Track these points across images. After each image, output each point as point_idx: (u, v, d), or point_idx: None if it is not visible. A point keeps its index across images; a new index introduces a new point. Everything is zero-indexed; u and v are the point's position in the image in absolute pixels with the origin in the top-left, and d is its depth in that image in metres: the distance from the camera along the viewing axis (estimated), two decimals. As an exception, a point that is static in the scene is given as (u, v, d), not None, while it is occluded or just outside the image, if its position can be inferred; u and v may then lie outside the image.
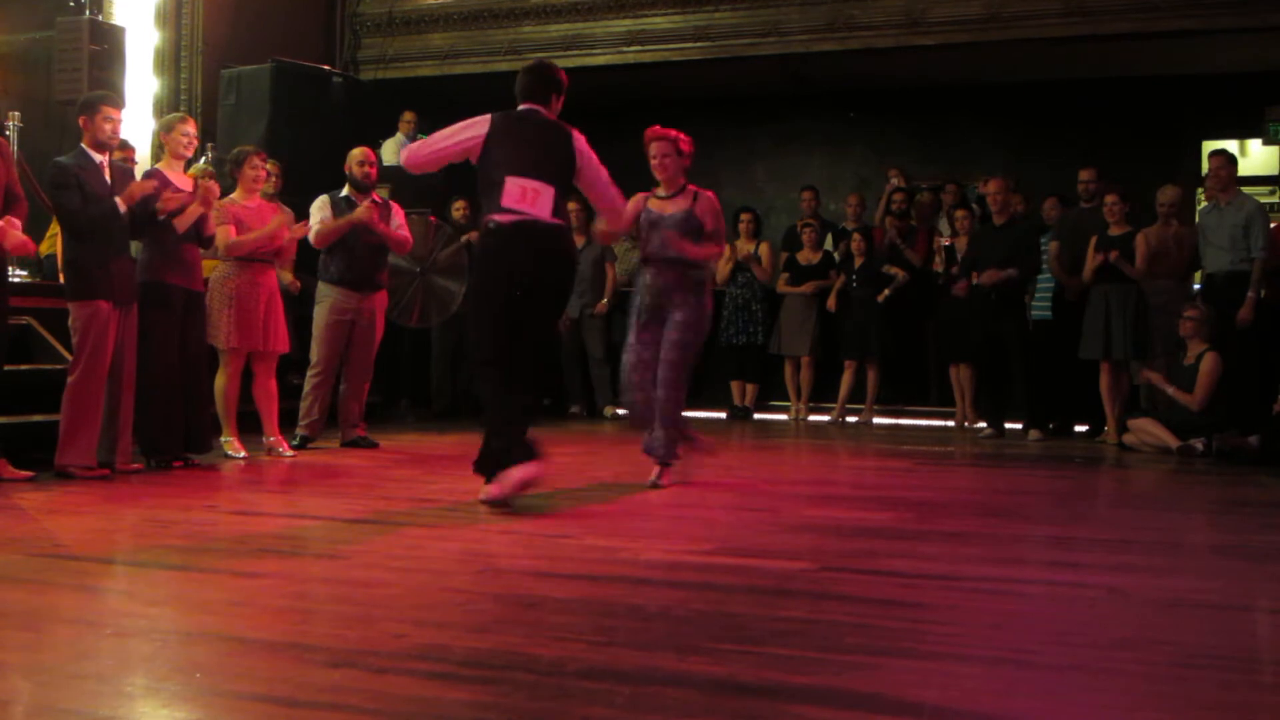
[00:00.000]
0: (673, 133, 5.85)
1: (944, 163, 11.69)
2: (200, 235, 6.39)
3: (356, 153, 7.55)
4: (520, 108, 5.31)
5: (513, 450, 4.97)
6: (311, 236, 7.27)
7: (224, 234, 6.70)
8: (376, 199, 7.49)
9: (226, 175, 7.09)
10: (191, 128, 6.46)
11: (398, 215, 7.62)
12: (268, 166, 7.42)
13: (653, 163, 5.83)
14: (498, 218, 5.00)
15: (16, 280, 7.13)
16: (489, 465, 5.05)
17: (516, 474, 4.93)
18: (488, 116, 5.19)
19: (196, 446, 6.40)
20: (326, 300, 7.38)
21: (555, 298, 5.25)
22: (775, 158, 12.51)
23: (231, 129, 9.45)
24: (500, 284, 5.01)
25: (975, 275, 8.88)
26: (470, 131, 5.15)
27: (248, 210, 6.85)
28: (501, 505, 4.94)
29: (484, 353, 5.09)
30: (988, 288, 8.66)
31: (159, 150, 6.56)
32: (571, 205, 10.05)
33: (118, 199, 5.92)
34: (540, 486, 5.13)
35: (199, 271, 6.50)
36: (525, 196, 5.01)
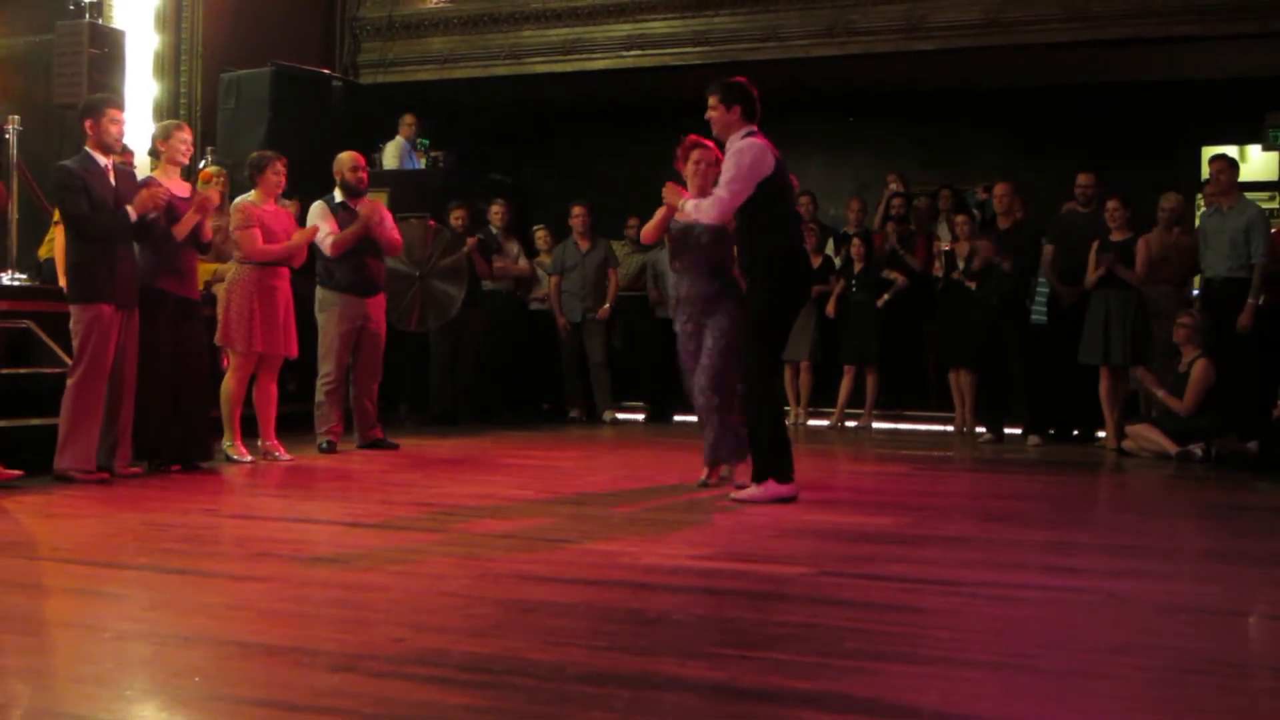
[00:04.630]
0: (708, 142, 5.86)
1: (943, 168, 11.69)
2: (198, 241, 6.39)
3: (346, 158, 7.53)
4: (757, 130, 5.55)
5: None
6: (327, 247, 7.27)
7: (250, 238, 6.71)
8: (369, 202, 7.51)
9: (246, 179, 7.09)
10: (188, 135, 6.46)
11: (387, 218, 7.63)
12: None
13: (694, 167, 5.83)
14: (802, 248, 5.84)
15: (14, 284, 7.14)
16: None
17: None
18: (764, 143, 5.43)
19: (199, 454, 6.39)
20: (335, 308, 7.37)
21: None
22: (774, 162, 12.49)
23: (231, 133, 9.45)
24: (801, 306, 5.95)
25: (973, 282, 8.90)
26: (765, 165, 5.39)
27: (266, 214, 6.86)
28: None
29: (774, 366, 5.82)
30: (994, 291, 8.67)
31: (155, 156, 6.54)
32: (577, 209, 10.09)
33: (129, 208, 5.91)
34: None
35: (194, 279, 6.49)
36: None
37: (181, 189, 6.38)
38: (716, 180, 5.53)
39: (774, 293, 5.42)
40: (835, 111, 12.12)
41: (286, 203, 7.35)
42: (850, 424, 9.96)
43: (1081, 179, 8.90)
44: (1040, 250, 8.84)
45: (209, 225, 6.43)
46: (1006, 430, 8.89)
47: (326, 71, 10.46)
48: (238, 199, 6.95)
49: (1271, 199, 11.14)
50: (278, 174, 6.94)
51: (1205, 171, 8.96)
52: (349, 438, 7.51)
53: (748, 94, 5.51)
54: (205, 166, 8.25)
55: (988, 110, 11.56)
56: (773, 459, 5.43)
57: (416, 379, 9.95)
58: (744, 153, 5.36)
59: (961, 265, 9.11)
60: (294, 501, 5.67)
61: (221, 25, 9.94)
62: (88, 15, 8.52)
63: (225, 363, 7.15)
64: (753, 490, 5.42)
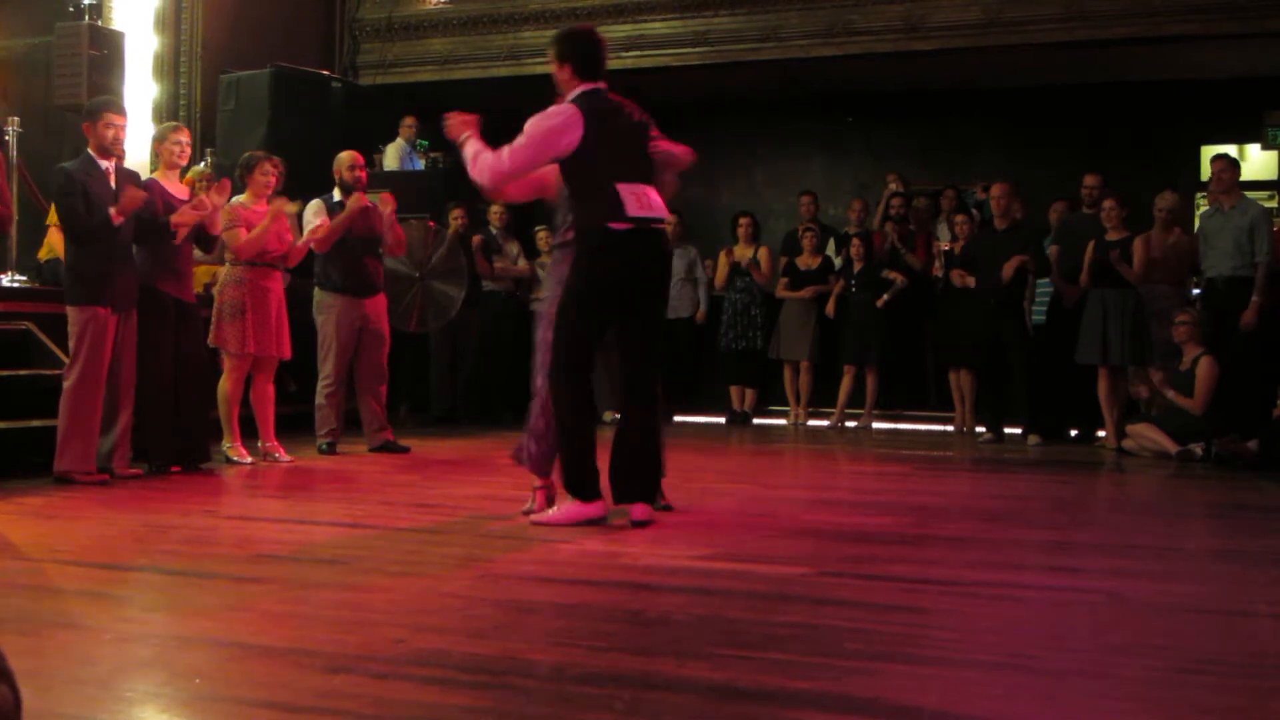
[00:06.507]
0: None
1: (943, 167, 11.70)
2: (204, 237, 6.40)
3: (345, 157, 7.52)
4: (598, 89, 4.89)
5: (636, 481, 4.85)
6: (314, 243, 7.27)
7: (234, 237, 6.71)
8: (366, 201, 7.48)
9: (236, 180, 7.09)
10: (185, 136, 6.46)
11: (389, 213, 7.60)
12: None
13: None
14: (617, 225, 4.64)
15: (14, 286, 7.15)
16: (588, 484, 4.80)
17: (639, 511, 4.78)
18: (575, 110, 4.76)
19: (199, 455, 6.39)
20: (333, 311, 7.36)
21: (664, 301, 5.04)
22: (774, 162, 12.52)
23: (231, 134, 9.45)
24: (618, 289, 4.73)
25: (973, 280, 8.92)
26: (568, 136, 4.70)
27: (256, 215, 6.85)
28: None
29: (575, 356, 4.80)
30: (993, 291, 8.66)
31: (154, 159, 6.55)
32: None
33: (111, 210, 5.89)
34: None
35: (190, 282, 6.51)
36: (642, 203, 4.68)
37: (180, 191, 6.39)
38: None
39: (583, 272, 4.75)
40: (835, 111, 12.13)
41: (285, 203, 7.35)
42: (850, 424, 9.96)
43: (1088, 180, 8.90)
44: (1044, 250, 8.84)
45: (219, 220, 6.43)
46: (1006, 430, 8.89)
47: (326, 73, 10.46)
48: (231, 200, 6.95)
49: (1271, 198, 11.14)
50: (266, 175, 6.92)
51: (1205, 171, 8.95)
52: (356, 439, 7.50)
53: (582, 47, 4.93)
54: (191, 170, 8.27)
55: (987, 110, 11.57)
56: (570, 472, 4.76)
57: (417, 379, 9.95)
58: (545, 119, 4.76)
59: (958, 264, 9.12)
60: (294, 503, 5.67)
61: (221, 26, 9.94)
62: (87, 17, 8.52)
63: (223, 364, 7.17)
64: (550, 513, 4.81)
